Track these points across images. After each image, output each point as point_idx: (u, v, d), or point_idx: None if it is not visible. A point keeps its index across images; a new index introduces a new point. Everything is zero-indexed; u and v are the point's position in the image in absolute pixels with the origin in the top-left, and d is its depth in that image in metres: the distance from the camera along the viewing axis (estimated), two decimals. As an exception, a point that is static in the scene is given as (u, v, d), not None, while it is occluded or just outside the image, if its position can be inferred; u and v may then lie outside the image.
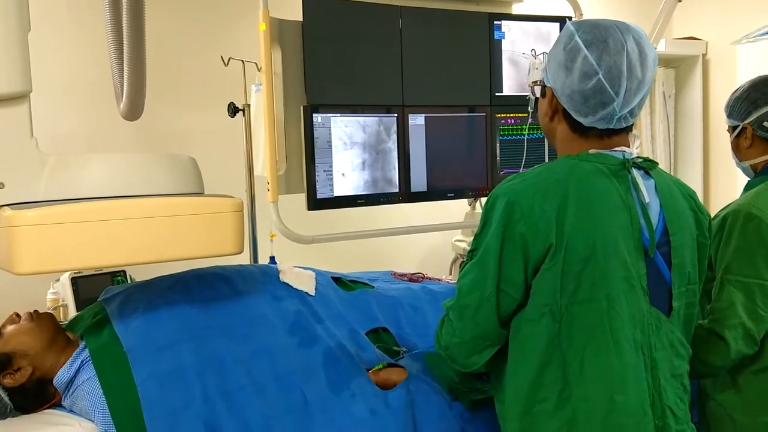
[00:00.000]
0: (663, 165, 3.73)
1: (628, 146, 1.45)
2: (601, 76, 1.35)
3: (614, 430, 1.34)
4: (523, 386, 1.38)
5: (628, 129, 1.44)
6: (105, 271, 2.45)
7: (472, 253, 1.42)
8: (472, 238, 2.80)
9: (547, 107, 1.47)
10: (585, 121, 1.40)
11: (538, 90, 1.51)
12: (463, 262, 1.47)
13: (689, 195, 1.51)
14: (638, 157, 1.44)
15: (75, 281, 2.42)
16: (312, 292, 1.92)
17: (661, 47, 3.50)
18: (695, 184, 3.67)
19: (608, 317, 1.33)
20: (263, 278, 1.93)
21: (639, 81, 1.37)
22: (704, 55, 3.63)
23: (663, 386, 1.38)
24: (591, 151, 1.41)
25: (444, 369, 1.78)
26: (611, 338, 1.33)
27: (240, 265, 2.03)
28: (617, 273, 1.34)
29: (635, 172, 1.41)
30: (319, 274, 2.05)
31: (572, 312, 1.33)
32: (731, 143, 1.89)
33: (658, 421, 1.37)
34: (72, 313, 2.34)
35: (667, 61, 3.67)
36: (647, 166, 1.44)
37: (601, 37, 1.36)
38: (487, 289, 1.36)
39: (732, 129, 1.88)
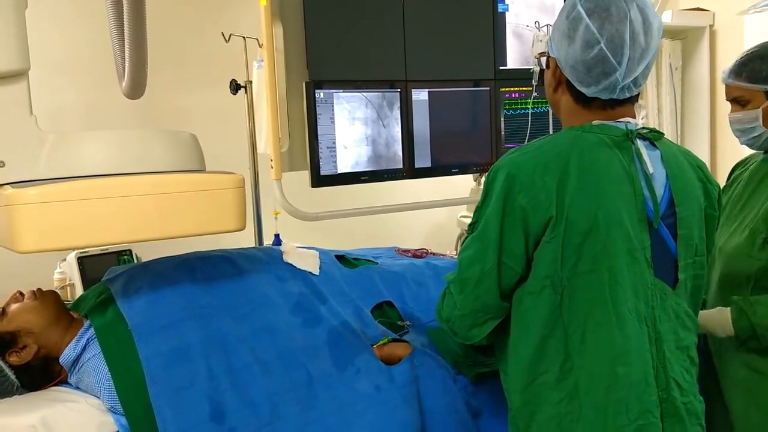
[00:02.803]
0: (670, 137, 3.66)
1: (634, 117, 1.43)
2: (602, 45, 1.33)
3: (616, 402, 1.33)
4: (525, 358, 1.39)
5: (633, 99, 1.43)
6: (111, 250, 2.46)
7: (473, 226, 1.42)
8: (476, 212, 2.68)
9: (551, 78, 1.46)
10: (588, 92, 1.39)
11: (544, 61, 1.49)
12: (465, 236, 1.47)
13: (698, 166, 1.50)
14: (643, 127, 1.42)
15: (81, 261, 2.44)
16: (316, 272, 1.92)
17: (668, 18, 3.46)
18: (702, 156, 3.63)
19: (610, 289, 1.33)
20: (267, 259, 1.93)
21: (642, 50, 1.35)
22: (711, 26, 3.58)
23: (668, 358, 1.38)
24: (594, 122, 1.40)
25: (448, 343, 1.78)
26: (613, 310, 1.33)
27: (243, 248, 2.03)
28: (619, 245, 1.33)
29: (639, 143, 1.39)
30: (322, 253, 2.05)
31: (573, 284, 1.33)
32: (764, 110, 1.78)
33: (662, 393, 1.36)
34: (79, 292, 2.36)
35: (673, 33, 3.62)
36: (652, 137, 1.43)
37: (603, 5, 1.34)
38: (488, 263, 1.36)
39: (767, 95, 1.77)
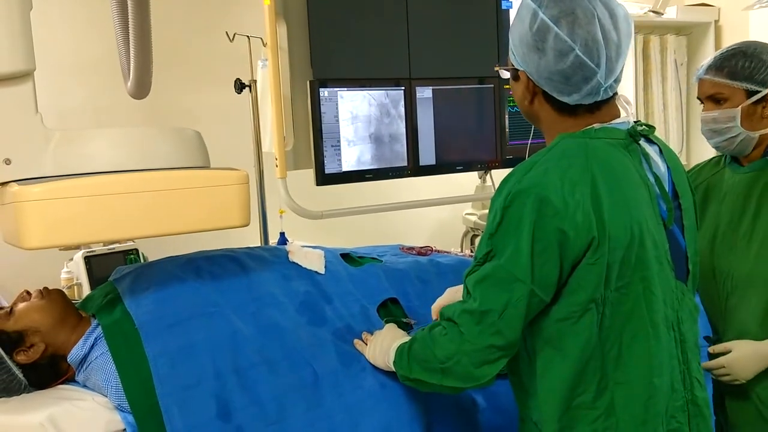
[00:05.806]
0: (676, 133, 3.70)
1: (619, 115, 1.37)
2: (577, 51, 1.26)
3: (655, 415, 1.30)
4: (562, 385, 1.32)
5: (615, 95, 1.37)
6: (118, 249, 2.47)
7: (485, 255, 1.30)
8: (482, 211, 2.69)
9: (524, 91, 1.37)
10: (570, 100, 1.32)
11: (507, 73, 1.41)
12: (472, 265, 1.34)
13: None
14: (637, 123, 1.38)
15: (88, 260, 2.44)
16: (321, 271, 1.92)
17: (673, 14, 3.46)
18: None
19: (645, 300, 1.29)
20: (272, 258, 1.93)
21: (617, 45, 1.29)
22: (716, 22, 3.58)
23: (690, 359, 1.36)
24: (596, 126, 1.34)
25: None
26: (649, 321, 1.29)
27: (249, 247, 2.04)
28: (650, 253, 1.29)
29: (642, 142, 1.36)
30: (327, 251, 2.05)
31: (610, 300, 1.28)
32: (743, 110, 1.72)
33: (688, 395, 1.35)
34: (86, 291, 2.37)
35: (678, 28, 3.62)
36: (647, 132, 1.38)
37: (567, 9, 1.27)
38: (515, 292, 1.26)
39: (747, 93, 1.72)
